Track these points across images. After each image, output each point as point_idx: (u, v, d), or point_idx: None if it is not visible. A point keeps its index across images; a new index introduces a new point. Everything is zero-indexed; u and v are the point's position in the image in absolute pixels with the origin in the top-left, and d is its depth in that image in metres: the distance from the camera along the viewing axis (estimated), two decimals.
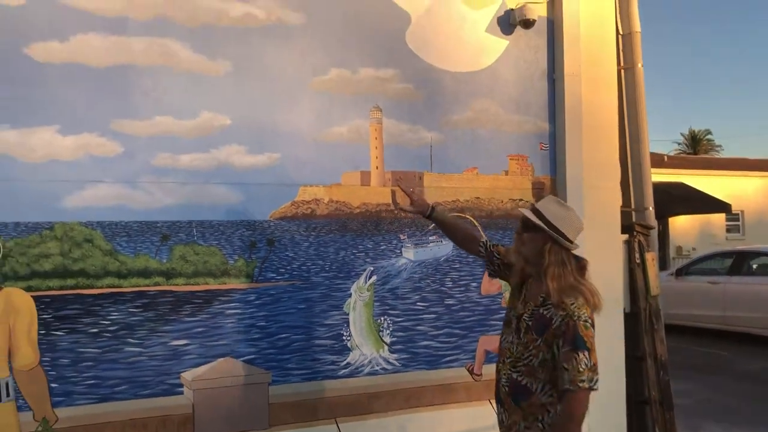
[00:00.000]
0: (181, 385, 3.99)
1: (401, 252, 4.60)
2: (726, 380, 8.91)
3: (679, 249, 22.14)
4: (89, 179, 3.83)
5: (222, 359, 4.09)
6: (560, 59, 5.03)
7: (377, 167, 4.50)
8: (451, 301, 4.73)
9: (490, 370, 4.63)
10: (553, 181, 5.10)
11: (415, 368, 4.57)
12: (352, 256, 4.46)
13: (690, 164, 26.25)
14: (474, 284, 4.82)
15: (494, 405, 2.98)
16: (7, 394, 3.62)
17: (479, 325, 4.79)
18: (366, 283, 4.46)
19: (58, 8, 3.77)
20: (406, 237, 4.60)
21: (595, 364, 2.60)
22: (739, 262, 12.08)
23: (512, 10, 4.91)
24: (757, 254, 12.26)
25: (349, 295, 4.43)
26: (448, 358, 4.68)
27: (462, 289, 4.76)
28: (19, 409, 3.65)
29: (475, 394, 4.69)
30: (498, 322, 4.69)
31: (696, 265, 12.94)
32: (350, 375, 4.39)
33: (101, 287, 3.85)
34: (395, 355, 4.53)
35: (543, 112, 5.07)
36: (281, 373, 4.22)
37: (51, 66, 3.75)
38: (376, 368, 4.47)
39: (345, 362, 4.39)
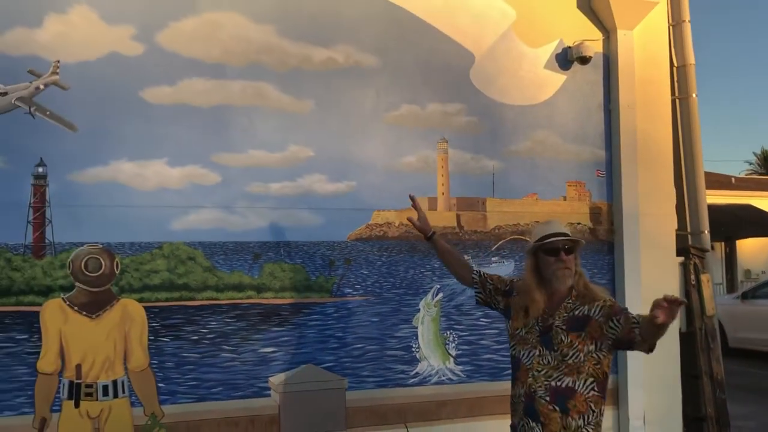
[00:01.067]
0: (269, 389, 4.46)
1: None
2: None
3: (747, 272, 21.61)
4: (192, 205, 4.38)
5: (304, 366, 4.56)
6: (615, 92, 5.36)
7: (443, 193, 4.93)
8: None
9: None
10: (609, 206, 5.41)
11: (479, 379, 4.93)
12: (420, 275, 4.88)
13: (759, 186, 25.62)
14: None
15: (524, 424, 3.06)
16: (123, 391, 4.18)
17: None
18: (433, 299, 4.86)
19: (168, 56, 4.37)
20: (470, 257, 4.99)
21: None
22: None
23: (569, 47, 5.28)
24: None
25: (418, 310, 4.84)
26: (509, 371, 5.00)
27: None
28: (132, 405, 4.20)
29: None
30: None
31: (763, 288, 12.78)
32: (419, 384, 4.79)
33: (201, 299, 4.39)
34: (460, 367, 4.91)
35: (600, 141, 5.41)
36: (356, 379, 4.66)
37: (161, 107, 4.35)
38: (443, 378, 4.85)
39: (414, 372, 4.79)
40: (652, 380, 5.27)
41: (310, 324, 4.60)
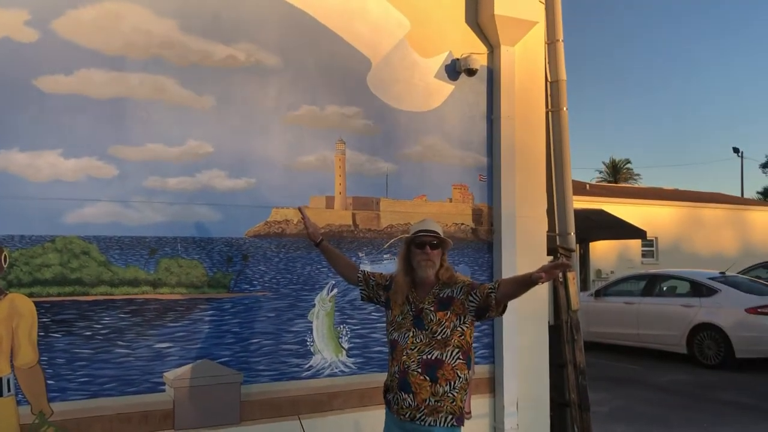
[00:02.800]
0: (164, 384, 4.46)
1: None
2: (638, 390, 9.84)
3: (598, 272, 23.49)
4: (87, 198, 4.29)
5: (200, 361, 4.58)
6: (498, 103, 5.78)
7: (340, 193, 5.12)
8: None
9: None
10: (490, 209, 5.83)
11: (369, 371, 5.17)
12: (317, 271, 5.04)
13: (610, 192, 27.90)
14: None
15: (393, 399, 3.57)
16: (8, 390, 4.02)
17: None
18: (328, 294, 5.04)
19: (65, 45, 4.24)
20: (363, 255, 5.22)
21: None
22: (652, 284, 13.17)
23: (458, 59, 5.64)
24: (667, 277, 13.40)
25: (313, 305, 5.00)
26: None
27: None
28: (19, 403, 4.05)
29: None
30: None
31: (613, 287, 13.98)
32: (312, 376, 4.95)
33: (95, 294, 4.30)
34: (352, 359, 5.12)
35: (482, 147, 5.81)
36: (252, 374, 4.74)
37: (57, 96, 4.22)
38: (336, 371, 5.04)
39: (308, 365, 4.95)
40: (524, 370, 5.75)
41: (207, 319, 4.63)
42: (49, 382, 4.13)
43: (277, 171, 4.90)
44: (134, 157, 4.43)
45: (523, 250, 5.82)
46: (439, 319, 3.50)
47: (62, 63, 4.23)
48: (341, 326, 5.09)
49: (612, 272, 22.52)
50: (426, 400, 3.39)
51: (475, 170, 5.78)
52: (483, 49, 5.82)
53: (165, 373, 4.46)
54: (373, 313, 5.22)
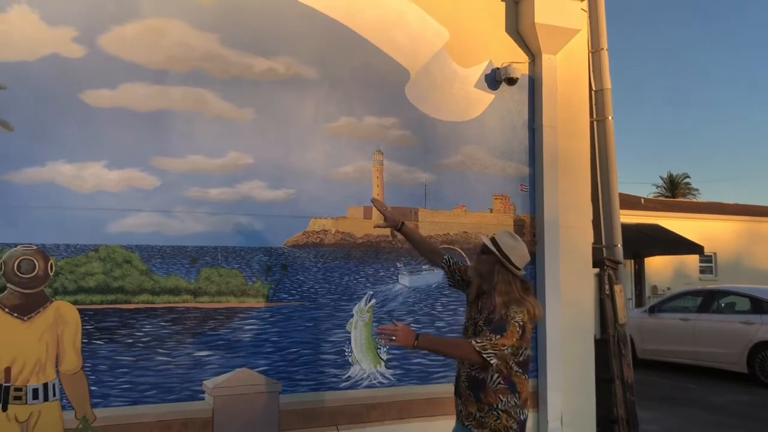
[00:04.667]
0: (203, 392, 4.51)
1: (398, 278, 5.19)
2: (694, 410, 9.44)
3: (654, 288, 22.84)
4: (130, 208, 4.40)
5: (239, 369, 4.62)
6: (539, 112, 5.71)
7: None
8: (440, 324, 5.31)
9: None
10: (532, 219, 5.74)
11: (408, 383, 5.12)
12: (355, 281, 5.04)
13: (666, 207, 27.14)
14: (461, 309, 5.38)
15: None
16: (54, 394, 4.13)
17: None
18: (366, 305, 5.03)
19: (109, 60, 4.38)
20: (402, 265, 5.19)
21: (498, 345, 3.16)
22: (708, 301, 12.70)
23: (498, 68, 5.60)
24: (724, 293, 12.91)
25: (351, 316, 5.00)
26: (438, 375, 5.23)
27: (451, 312, 5.35)
28: (63, 408, 4.16)
29: None
30: None
31: (668, 303, 13.55)
32: (351, 387, 4.94)
33: (137, 303, 4.40)
34: (391, 371, 5.08)
35: (524, 157, 5.74)
36: (290, 383, 4.76)
37: (101, 110, 4.35)
38: (374, 382, 5.02)
39: (346, 375, 4.94)
40: (569, 384, 5.61)
41: (246, 328, 4.67)
42: (92, 387, 4.22)
43: (315, 181, 4.93)
44: (176, 168, 4.53)
45: (567, 261, 5.71)
46: None
47: (107, 77, 4.37)
48: (379, 337, 5.05)
49: (668, 288, 21.85)
50: (473, 414, 3.36)
51: (516, 180, 5.71)
52: (524, 57, 5.76)
53: (204, 382, 4.51)
54: (412, 325, 5.16)
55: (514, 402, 3.36)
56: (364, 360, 5.00)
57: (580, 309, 5.79)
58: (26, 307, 4.08)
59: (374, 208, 3.97)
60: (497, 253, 3.38)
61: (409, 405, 5.08)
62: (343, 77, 5.07)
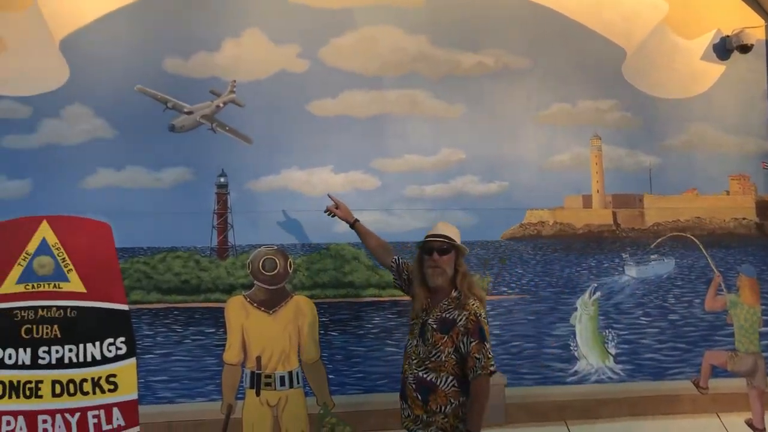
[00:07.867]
0: None
1: (624, 270, 4.93)
2: None
3: None
4: (355, 208, 4.65)
5: None
6: None
7: (598, 191, 4.91)
8: (674, 317, 4.95)
9: (716, 384, 4.82)
10: None
11: (641, 379, 4.84)
12: (577, 273, 4.88)
13: None
14: (697, 301, 4.99)
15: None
16: (297, 382, 4.51)
17: (703, 340, 4.95)
18: (591, 298, 4.84)
19: (330, 71, 4.70)
20: (628, 256, 4.92)
21: (489, 350, 3.28)
22: None
23: (728, 36, 5.09)
24: None
25: (575, 309, 4.84)
26: (673, 371, 4.88)
27: (685, 305, 4.96)
28: (306, 395, 4.52)
29: (701, 407, 4.85)
30: (724, 339, 4.88)
31: None
32: (578, 382, 4.78)
33: (365, 296, 4.65)
34: (620, 366, 4.84)
35: (765, 131, 5.16)
36: (514, 376, 4.72)
37: (325, 119, 4.68)
38: (602, 377, 4.81)
39: (573, 370, 4.79)
40: None
41: None
42: (330, 376, 4.54)
43: (529, 172, 4.86)
44: (394, 168, 4.73)
45: None
46: (435, 342, 3.34)
47: (329, 88, 4.68)
48: (606, 331, 4.84)
49: None
50: (420, 416, 3.35)
51: (756, 157, 5.16)
52: (758, 21, 5.18)
53: None
54: (641, 318, 4.90)
55: (463, 401, 3.29)
56: (591, 354, 4.81)
57: None
58: (271, 302, 4.51)
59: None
60: (455, 246, 3.46)
61: (643, 402, 4.80)
62: (554, 63, 4.94)
